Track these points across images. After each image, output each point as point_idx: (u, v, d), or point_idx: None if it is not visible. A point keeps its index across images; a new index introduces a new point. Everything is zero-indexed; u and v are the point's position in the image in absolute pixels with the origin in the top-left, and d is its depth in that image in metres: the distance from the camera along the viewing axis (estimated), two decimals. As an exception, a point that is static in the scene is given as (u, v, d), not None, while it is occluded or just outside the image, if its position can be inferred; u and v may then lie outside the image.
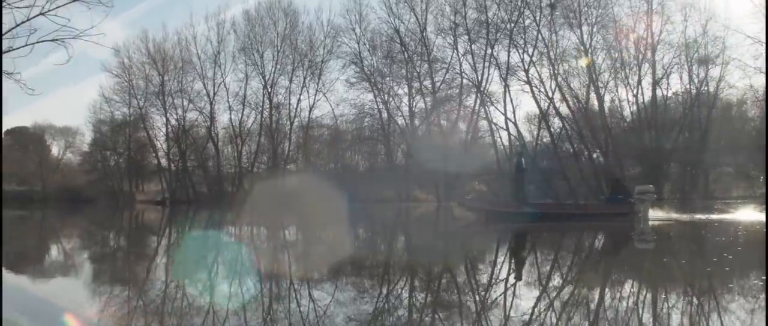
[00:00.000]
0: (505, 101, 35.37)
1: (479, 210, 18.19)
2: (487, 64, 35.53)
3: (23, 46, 9.02)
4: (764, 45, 29.88)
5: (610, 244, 10.69)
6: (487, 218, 16.84)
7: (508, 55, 34.78)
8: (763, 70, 26.33)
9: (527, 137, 37.06)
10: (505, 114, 35.50)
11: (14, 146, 50.74)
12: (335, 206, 26.14)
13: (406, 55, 37.37)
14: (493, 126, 36.13)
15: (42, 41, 9.20)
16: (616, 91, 34.83)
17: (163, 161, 42.78)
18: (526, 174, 17.88)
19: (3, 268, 7.65)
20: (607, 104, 34.50)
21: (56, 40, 9.33)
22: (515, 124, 35.36)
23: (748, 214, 17.66)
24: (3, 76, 9.03)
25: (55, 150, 51.85)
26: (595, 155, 34.19)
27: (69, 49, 9.49)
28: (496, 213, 17.13)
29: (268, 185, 37.63)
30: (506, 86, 35.03)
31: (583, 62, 34.17)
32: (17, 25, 8.86)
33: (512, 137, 35.57)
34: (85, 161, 46.78)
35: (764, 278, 5.74)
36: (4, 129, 50.90)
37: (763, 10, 23.45)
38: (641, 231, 12.39)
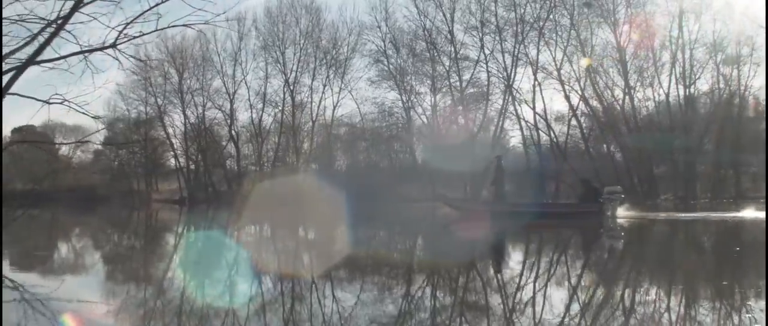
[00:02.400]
0: (534, 99, 34.71)
1: (461, 209, 18.65)
2: (516, 61, 34.71)
3: (153, 31, 8.54)
4: (765, 46, 29.93)
5: (582, 238, 11.96)
6: (469, 216, 17.46)
7: (538, 53, 34.12)
8: None
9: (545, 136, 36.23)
10: (534, 110, 34.83)
11: (22, 144, 49.17)
12: (356, 207, 25.61)
13: (434, 53, 36.54)
14: (522, 123, 35.36)
15: (173, 26, 8.67)
16: (644, 90, 34.26)
17: (181, 160, 41.55)
18: (505, 175, 18.49)
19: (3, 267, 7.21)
20: (636, 103, 33.87)
21: (187, 25, 8.85)
22: (546, 120, 34.65)
23: (747, 213, 18.12)
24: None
25: (65, 149, 50.31)
26: (625, 154, 33.48)
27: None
28: (477, 212, 17.64)
29: (289, 185, 36.63)
30: (537, 84, 34.37)
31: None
32: (147, 10, 8.17)
33: (542, 135, 34.89)
34: (97, 160, 45.41)
35: (762, 275, 6.08)
36: (11, 128, 49.40)
37: None
38: (609, 228, 13.46)
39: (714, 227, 13.92)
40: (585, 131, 34.84)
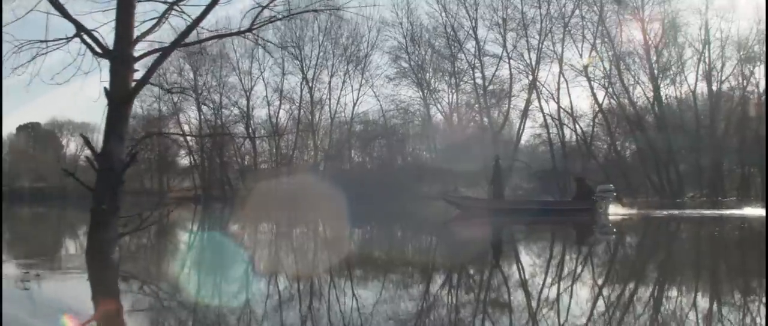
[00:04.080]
0: (558, 95, 33.61)
1: (459, 206, 18.81)
2: (539, 56, 33.67)
3: (286, 17, 8.80)
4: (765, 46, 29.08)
5: (576, 234, 12.39)
6: (469, 213, 17.72)
7: (562, 48, 33.03)
8: None
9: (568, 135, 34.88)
10: (558, 104, 33.94)
11: (28, 142, 47.43)
12: (372, 205, 25.00)
13: (456, 49, 35.26)
14: (547, 120, 34.12)
15: (304, 11, 8.87)
16: (666, 88, 33.37)
17: (195, 157, 39.74)
18: (503, 174, 19.23)
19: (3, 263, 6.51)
20: (664, 101, 32.86)
21: (316, 10, 9.02)
22: (572, 116, 33.36)
23: (746, 210, 18.57)
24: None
25: (72, 147, 48.37)
26: (654, 151, 32.28)
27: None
28: (475, 208, 17.90)
29: (305, 183, 35.12)
30: (564, 80, 33.35)
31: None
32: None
33: (565, 133, 33.61)
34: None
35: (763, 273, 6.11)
36: (17, 125, 47.52)
37: None
38: (602, 225, 13.85)
39: (703, 223, 14.42)
40: (611, 128, 33.60)
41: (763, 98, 31.24)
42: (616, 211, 17.25)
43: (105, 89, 7.13)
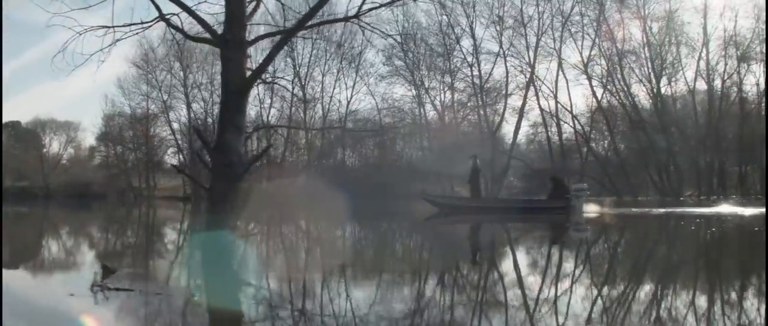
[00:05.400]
0: (556, 93, 32.92)
1: (438, 205, 18.86)
2: (536, 53, 32.87)
3: (389, 4, 8.10)
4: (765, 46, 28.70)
5: (551, 231, 12.59)
6: (446, 211, 17.79)
7: (561, 45, 32.39)
8: None
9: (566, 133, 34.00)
10: (557, 100, 33.19)
11: (9, 141, 45.37)
12: (361, 204, 24.21)
13: (452, 46, 34.20)
14: (545, 118, 33.18)
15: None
16: (661, 87, 32.66)
17: (185, 156, 38.09)
18: (480, 173, 19.19)
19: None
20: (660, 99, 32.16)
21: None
22: (572, 113, 32.73)
23: (722, 208, 18.89)
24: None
25: (55, 146, 46.46)
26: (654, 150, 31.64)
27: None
28: (454, 207, 18.18)
29: (296, 182, 33.88)
30: (564, 77, 32.54)
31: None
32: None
33: (563, 132, 32.77)
34: (92, 156, 41.78)
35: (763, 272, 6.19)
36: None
37: None
38: (576, 222, 14.17)
39: (672, 220, 14.62)
40: (610, 125, 32.91)
41: (763, 97, 30.83)
42: (589, 209, 17.42)
43: (221, 76, 6.75)
